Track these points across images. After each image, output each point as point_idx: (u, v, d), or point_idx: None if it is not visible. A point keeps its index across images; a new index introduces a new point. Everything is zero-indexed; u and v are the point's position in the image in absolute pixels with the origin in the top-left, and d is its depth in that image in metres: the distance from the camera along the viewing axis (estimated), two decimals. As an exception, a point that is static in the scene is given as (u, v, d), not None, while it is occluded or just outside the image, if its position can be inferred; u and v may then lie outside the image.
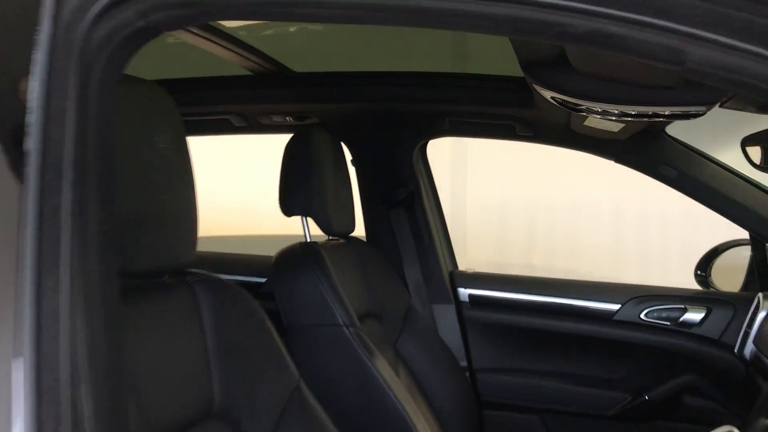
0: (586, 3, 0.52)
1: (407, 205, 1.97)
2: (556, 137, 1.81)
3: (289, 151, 1.60)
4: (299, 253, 1.53)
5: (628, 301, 1.88)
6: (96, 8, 0.61)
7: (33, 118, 0.57)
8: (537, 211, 3.84)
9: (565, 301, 1.93)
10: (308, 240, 1.63)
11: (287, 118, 1.89)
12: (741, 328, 1.66)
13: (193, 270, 1.05)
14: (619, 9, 0.51)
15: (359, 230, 1.91)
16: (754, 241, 1.83)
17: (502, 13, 0.56)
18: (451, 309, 1.98)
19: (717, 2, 0.48)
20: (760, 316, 1.63)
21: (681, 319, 1.85)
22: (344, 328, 1.46)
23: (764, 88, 0.51)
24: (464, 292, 2.00)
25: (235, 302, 1.09)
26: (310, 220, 1.63)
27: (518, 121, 1.76)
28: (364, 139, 1.95)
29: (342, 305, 1.47)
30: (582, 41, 0.56)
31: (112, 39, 0.63)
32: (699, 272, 2.04)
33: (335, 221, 1.62)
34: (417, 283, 1.97)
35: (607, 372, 1.91)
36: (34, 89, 0.57)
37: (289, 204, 1.59)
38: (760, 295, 1.63)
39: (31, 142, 0.56)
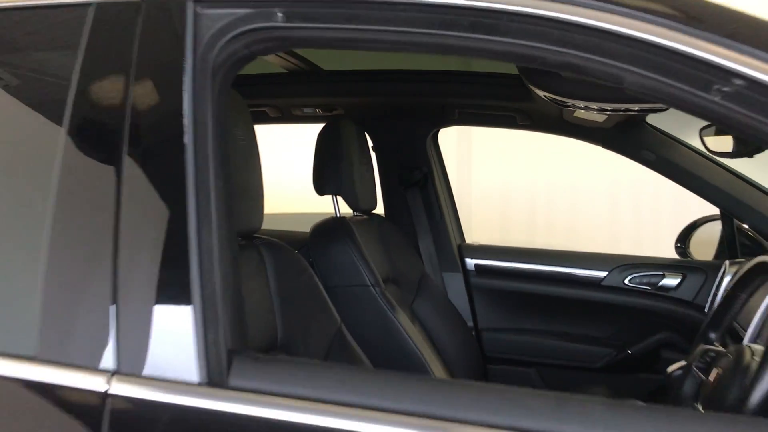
0: (557, 45, 0.79)
1: (421, 186, 2.25)
2: (550, 126, 2.08)
3: (322, 139, 1.87)
4: (332, 226, 1.81)
5: (614, 269, 2.15)
6: (220, 43, 0.89)
7: (186, 121, 0.85)
8: (537, 192, 4.10)
9: (559, 269, 2.21)
10: (338, 215, 1.91)
11: (317, 110, 2.16)
12: (711, 291, 1.93)
13: (259, 235, 1.33)
14: (580, 51, 0.78)
15: (379, 208, 2.18)
16: (724, 217, 2.10)
17: (501, 49, 0.83)
18: (459, 277, 2.26)
19: (640, 49, 0.75)
20: (726, 280, 1.90)
21: (660, 284, 2.13)
22: (371, 287, 1.74)
23: (676, 104, 0.78)
24: (470, 262, 2.28)
25: (291, 261, 1.38)
26: (339, 198, 1.90)
27: (518, 112, 2.03)
28: (383, 128, 2.22)
29: (369, 269, 1.75)
30: (557, 68, 0.84)
31: (227, 63, 0.90)
32: (678, 244, 2.31)
33: (361, 199, 1.89)
34: (429, 253, 2.25)
35: (595, 331, 2.19)
36: (185, 101, 0.85)
37: (322, 185, 1.86)
38: (727, 262, 1.89)
39: (187, 138, 0.84)
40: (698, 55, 0.71)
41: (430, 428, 0.71)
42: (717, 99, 0.72)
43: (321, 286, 1.42)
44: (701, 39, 0.72)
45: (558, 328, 2.20)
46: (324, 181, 1.85)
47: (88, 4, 0.94)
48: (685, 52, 0.72)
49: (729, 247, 2.10)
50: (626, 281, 2.14)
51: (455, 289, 2.25)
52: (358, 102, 2.13)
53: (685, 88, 0.73)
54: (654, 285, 2.12)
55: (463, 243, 2.33)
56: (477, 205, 4.03)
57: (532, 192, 4.11)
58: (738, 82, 0.71)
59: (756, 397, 0.83)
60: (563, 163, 3.73)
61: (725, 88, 0.71)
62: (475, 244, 2.35)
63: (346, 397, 0.74)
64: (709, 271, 2.07)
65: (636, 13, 0.74)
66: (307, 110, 2.16)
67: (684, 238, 2.31)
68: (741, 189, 1.96)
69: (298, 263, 1.39)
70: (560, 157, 3.62)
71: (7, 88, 0.96)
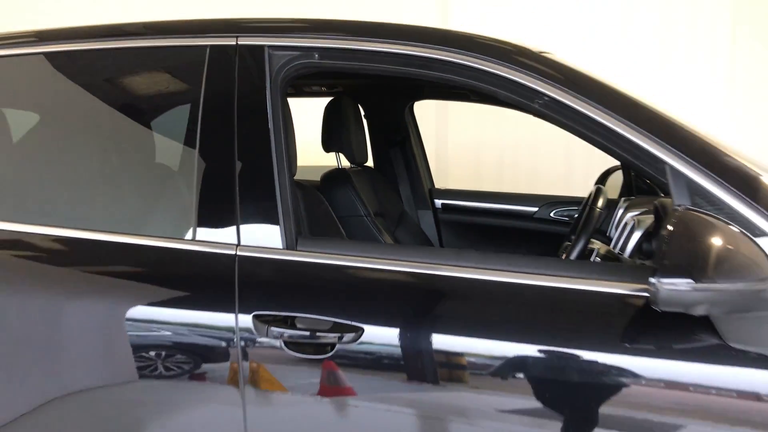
0: (461, 77, 1.53)
1: (401, 145, 3.00)
2: (494, 101, 2.81)
3: (328, 110, 2.57)
4: (336, 174, 2.54)
5: (543, 205, 2.92)
6: (283, 71, 1.62)
7: (269, 113, 1.58)
8: (504, 147, 4.84)
9: (504, 207, 2.97)
10: (340, 167, 2.65)
11: (322, 87, 2.88)
12: (611, 220, 2.70)
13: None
14: (471, 80, 1.52)
15: (369, 162, 2.92)
16: (623, 168, 2.86)
17: (435, 75, 1.57)
18: (429, 213, 3.02)
19: (496, 78, 1.50)
20: (620, 212, 2.67)
21: (575, 215, 2.90)
22: (364, 217, 2.49)
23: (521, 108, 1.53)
24: (438, 202, 3.04)
25: (314, 195, 2.13)
26: (341, 155, 2.64)
27: (469, 91, 2.77)
28: (372, 102, 2.95)
29: (363, 204, 2.50)
30: (461, 87, 1.58)
31: (285, 80, 1.64)
32: (597, 185, 3.08)
33: (356, 155, 2.62)
34: (407, 195, 3.01)
35: (531, 251, 2.97)
36: (268, 102, 1.59)
37: (329, 144, 2.57)
38: (622, 199, 2.65)
39: (270, 122, 1.58)
40: (525, 84, 1.47)
41: (419, 268, 1.47)
42: (536, 106, 1.47)
43: (333, 214, 2.17)
44: (527, 73, 1.47)
45: (504, 250, 2.97)
46: (330, 141, 2.57)
47: (206, 46, 1.67)
48: (518, 81, 1.47)
49: (627, 188, 2.87)
50: (552, 214, 2.91)
51: (427, 222, 3.02)
52: (353, 83, 2.85)
53: (522, 100, 1.48)
54: (572, 217, 2.89)
55: (432, 187, 3.09)
56: (453, 159, 4.76)
57: (499, 147, 4.83)
58: (545, 98, 1.46)
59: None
60: (524, 124, 4.44)
61: (540, 101, 1.47)
62: (441, 188, 3.11)
63: (366, 252, 1.51)
64: (612, 205, 2.84)
65: (492, 59, 1.49)
66: (315, 88, 2.88)
67: (601, 180, 3.08)
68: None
69: (318, 197, 2.15)
70: (522, 119, 4.34)
71: (168, 98, 1.70)
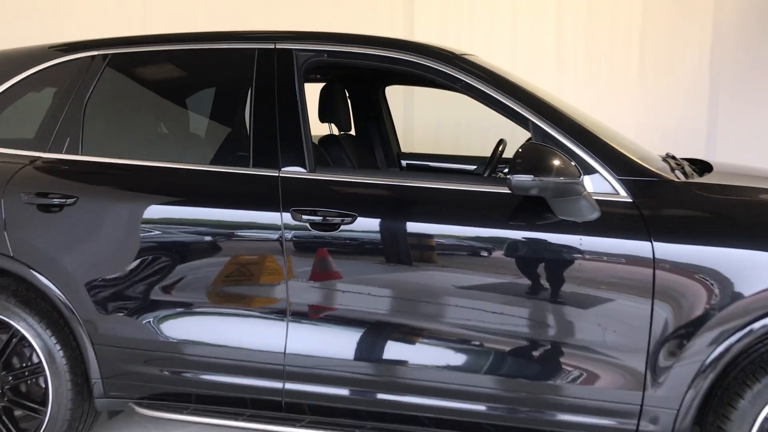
0: (417, 69, 2.56)
1: (376, 119, 4.01)
2: (437, 84, 3.84)
3: (323, 93, 3.53)
4: (330, 138, 3.54)
5: (479, 164, 3.94)
6: (305, 65, 2.63)
7: (297, 93, 2.58)
8: (460, 125, 5.85)
9: (453, 165, 3.99)
10: (331, 133, 3.65)
11: (317, 75, 3.87)
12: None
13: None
14: (419, 71, 2.55)
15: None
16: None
17: (400, 69, 2.60)
18: (397, 170, 4.04)
19: (427, 70, 2.51)
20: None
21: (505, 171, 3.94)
22: (350, 168, 3.50)
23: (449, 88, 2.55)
24: (404, 162, 4.07)
25: (317, 149, 3.13)
26: (332, 125, 3.63)
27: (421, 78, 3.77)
28: (355, 86, 3.94)
29: (350, 160, 3.50)
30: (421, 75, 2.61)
31: (306, 71, 2.65)
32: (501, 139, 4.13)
33: (343, 125, 3.61)
34: (380, 157, 4.02)
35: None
36: (296, 85, 2.59)
37: (323, 117, 3.55)
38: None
39: (297, 98, 2.58)
40: (450, 73, 2.49)
41: (390, 182, 2.49)
42: (459, 87, 2.50)
43: (330, 161, 3.18)
44: (451, 67, 2.50)
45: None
46: (324, 115, 3.54)
47: (255, 49, 2.66)
48: (446, 72, 2.50)
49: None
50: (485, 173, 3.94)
51: (395, 177, 4.03)
52: (341, 73, 3.84)
53: (450, 83, 2.51)
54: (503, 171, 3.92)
55: (399, 151, 4.11)
56: (418, 137, 5.78)
57: (456, 124, 5.84)
58: (461, 84, 2.49)
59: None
60: (471, 103, 5.48)
61: (460, 84, 2.49)
62: (406, 152, 4.13)
63: (355, 174, 2.53)
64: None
65: (433, 58, 2.52)
66: (311, 76, 3.87)
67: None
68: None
69: (320, 149, 3.15)
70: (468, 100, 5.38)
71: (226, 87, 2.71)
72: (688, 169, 2.72)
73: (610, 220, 2.28)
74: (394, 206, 2.50)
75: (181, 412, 2.64)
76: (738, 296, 2.17)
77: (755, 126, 5.28)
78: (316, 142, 3.50)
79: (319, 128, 3.70)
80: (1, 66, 2.99)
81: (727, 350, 2.19)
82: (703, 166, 2.86)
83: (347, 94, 3.75)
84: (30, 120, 2.93)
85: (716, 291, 2.19)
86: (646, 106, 5.54)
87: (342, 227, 2.43)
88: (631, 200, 2.29)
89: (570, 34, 5.65)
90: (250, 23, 4.38)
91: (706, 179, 2.56)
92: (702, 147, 5.34)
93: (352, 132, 3.87)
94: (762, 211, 2.32)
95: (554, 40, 5.68)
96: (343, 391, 2.49)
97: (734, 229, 2.25)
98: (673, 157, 2.92)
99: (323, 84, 3.58)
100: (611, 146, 2.40)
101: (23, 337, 2.70)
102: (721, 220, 2.29)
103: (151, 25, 4.85)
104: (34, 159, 2.76)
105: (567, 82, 5.51)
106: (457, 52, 2.64)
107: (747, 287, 2.16)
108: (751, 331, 2.17)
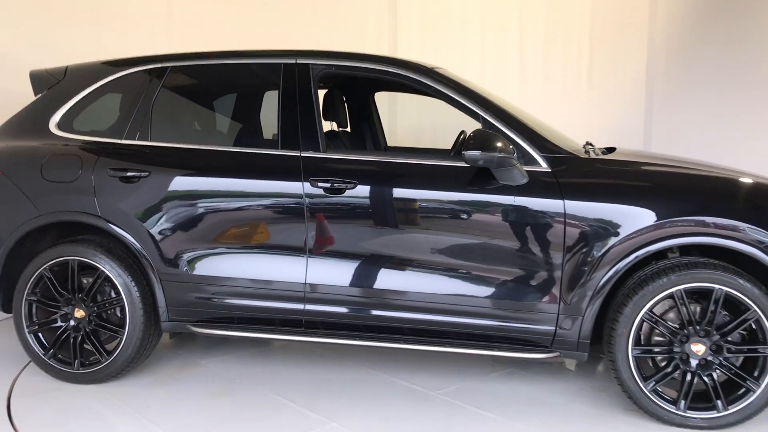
0: (394, 77, 3.54)
1: (367, 119, 4.98)
2: (414, 90, 4.81)
3: (326, 97, 4.50)
4: (331, 132, 4.49)
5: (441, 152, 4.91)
6: (318, 74, 3.61)
7: (313, 97, 3.55)
8: (437, 127, 6.83)
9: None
10: (332, 129, 4.60)
11: (320, 84, 4.83)
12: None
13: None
14: (395, 79, 3.53)
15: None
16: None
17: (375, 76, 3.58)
18: (385, 151, 5.00)
19: (394, 75, 3.49)
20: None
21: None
22: (348, 156, 4.46)
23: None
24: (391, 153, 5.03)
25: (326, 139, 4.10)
26: (333, 122, 4.58)
27: (403, 85, 4.75)
28: (350, 93, 4.91)
29: (346, 149, 4.45)
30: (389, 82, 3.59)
31: (319, 79, 3.62)
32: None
33: (342, 123, 4.57)
34: (370, 149, 4.98)
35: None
36: (312, 91, 3.55)
37: (326, 116, 4.50)
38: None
39: (313, 99, 3.55)
40: (424, 81, 3.47)
41: (381, 159, 3.46)
42: (431, 92, 3.48)
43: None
44: (425, 77, 3.47)
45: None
46: (327, 114, 4.48)
47: (281, 63, 3.63)
48: (421, 80, 3.48)
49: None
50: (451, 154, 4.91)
51: (383, 165, 5.00)
52: (339, 82, 4.81)
53: (423, 90, 3.49)
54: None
55: (386, 145, 5.08)
56: (402, 137, 6.75)
57: (431, 123, 6.81)
58: (432, 90, 3.47)
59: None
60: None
61: (431, 90, 3.47)
62: (392, 146, 5.10)
63: (356, 154, 3.50)
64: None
65: (411, 70, 3.50)
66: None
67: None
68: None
69: (330, 140, 4.11)
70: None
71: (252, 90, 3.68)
72: (597, 151, 3.71)
73: (535, 184, 3.26)
74: (383, 176, 3.47)
75: (227, 330, 3.59)
76: (618, 238, 3.15)
77: (683, 123, 6.36)
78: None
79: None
80: (80, 77, 3.93)
81: (612, 277, 3.17)
82: (609, 150, 3.85)
83: (344, 99, 4.71)
84: (98, 117, 3.87)
85: (605, 234, 3.17)
86: (594, 108, 6.62)
87: (347, 191, 3.39)
88: (549, 170, 3.28)
89: (530, 49, 6.72)
90: (259, 42, 5.45)
91: (604, 157, 3.54)
92: (640, 141, 6.40)
93: (348, 129, 4.83)
94: (633, 177, 3.32)
95: (517, 55, 6.73)
96: (346, 310, 3.45)
97: (616, 190, 3.25)
98: (590, 144, 3.91)
99: (326, 90, 4.54)
100: (537, 132, 3.38)
101: (107, 277, 3.62)
102: (608, 184, 3.29)
103: (174, 42, 5.77)
104: (114, 144, 3.70)
105: (528, 89, 6.56)
106: (429, 66, 3.62)
107: (624, 231, 3.15)
108: (626, 263, 3.15)
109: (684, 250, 3.34)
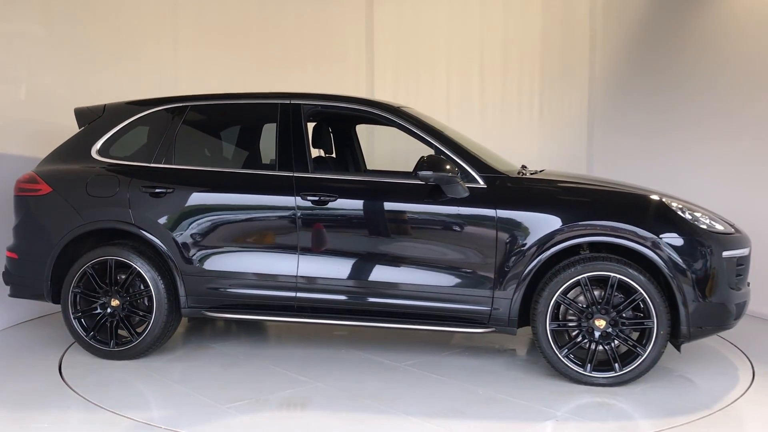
0: (362, 113, 4.51)
1: (350, 146, 5.94)
2: (385, 124, 5.79)
3: (315, 129, 5.43)
4: (319, 158, 5.43)
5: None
6: (309, 112, 4.60)
7: (303, 127, 4.52)
8: (409, 156, 7.81)
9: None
10: (320, 155, 5.55)
11: (310, 118, 5.80)
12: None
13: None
14: (363, 113, 4.51)
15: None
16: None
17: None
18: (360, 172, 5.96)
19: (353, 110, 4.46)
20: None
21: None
22: (332, 177, 5.42)
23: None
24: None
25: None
26: (321, 150, 5.53)
27: (376, 120, 5.72)
28: (335, 126, 5.87)
29: (332, 171, 5.41)
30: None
31: (309, 116, 4.59)
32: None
33: (327, 150, 5.52)
34: (352, 171, 5.94)
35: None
36: (303, 124, 4.52)
37: (315, 144, 5.41)
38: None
39: (303, 130, 4.51)
40: (389, 118, 4.45)
41: (359, 177, 4.42)
42: (396, 126, 4.45)
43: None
44: (390, 115, 4.46)
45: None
46: (316, 143, 5.43)
47: (278, 103, 4.60)
48: (387, 117, 4.45)
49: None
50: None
51: (362, 185, 5.96)
52: (326, 117, 5.76)
53: (389, 124, 4.46)
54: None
55: (365, 167, 6.04)
56: (377, 158, 7.72)
57: (406, 152, 7.79)
58: (397, 125, 4.44)
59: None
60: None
61: (396, 125, 4.45)
62: (371, 169, 6.06)
63: (339, 174, 4.46)
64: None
65: (381, 109, 4.48)
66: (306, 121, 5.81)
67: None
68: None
69: (317, 163, 5.07)
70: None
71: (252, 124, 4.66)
72: (527, 172, 4.68)
73: (474, 197, 4.22)
74: (358, 191, 4.43)
75: (234, 314, 4.51)
76: (536, 238, 4.12)
77: (621, 146, 7.47)
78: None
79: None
80: (116, 113, 4.89)
81: (532, 269, 4.12)
82: (538, 171, 4.83)
83: (330, 130, 5.68)
84: (130, 145, 4.82)
85: (526, 235, 4.13)
86: (544, 134, 7.81)
87: (329, 203, 4.35)
88: (485, 186, 4.25)
89: (489, 84, 7.88)
90: (253, 80, 6.51)
91: (529, 176, 4.50)
92: (584, 162, 7.60)
93: (334, 155, 5.79)
94: (546, 192, 4.30)
95: (478, 89, 7.84)
96: (329, 296, 4.38)
97: (533, 201, 4.22)
98: (524, 166, 4.89)
99: (315, 123, 5.51)
100: (477, 157, 4.36)
101: (138, 273, 4.54)
102: (528, 196, 4.26)
103: (180, 83, 6.70)
104: (145, 167, 4.65)
105: (488, 119, 7.69)
106: (396, 106, 4.61)
107: (539, 233, 4.11)
108: (543, 257, 4.10)
109: (594, 248, 4.29)
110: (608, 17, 7.40)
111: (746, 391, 4.11)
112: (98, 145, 4.80)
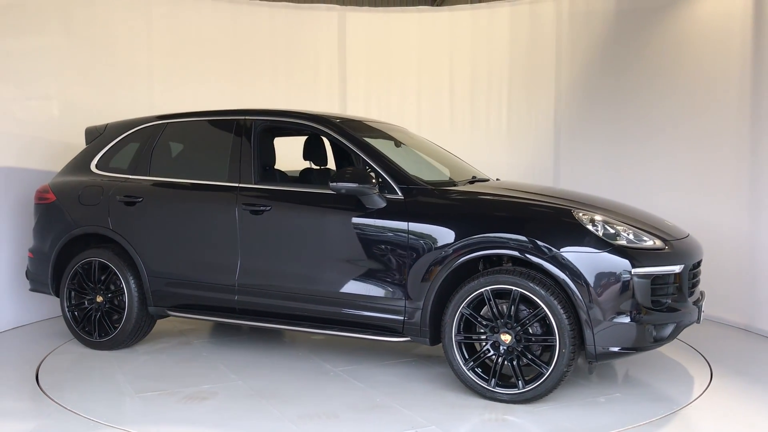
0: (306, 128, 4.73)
1: (343, 158, 6.16)
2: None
3: (306, 143, 5.72)
4: (308, 170, 5.72)
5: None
6: (259, 129, 4.92)
7: (257, 144, 4.84)
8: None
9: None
10: (312, 167, 5.83)
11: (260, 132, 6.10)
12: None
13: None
14: (306, 129, 4.72)
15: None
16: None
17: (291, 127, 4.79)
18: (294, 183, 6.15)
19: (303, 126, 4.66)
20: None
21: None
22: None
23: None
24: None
25: (297, 176, 5.36)
26: (311, 162, 5.80)
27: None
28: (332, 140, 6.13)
29: (319, 181, 5.67)
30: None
31: (261, 130, 4.91)
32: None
33: (319, 162, 5.77)
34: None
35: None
36: (255, 140, 4.85)
37: (308, 157, 5.69)
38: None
39: (256, 145, 4.84)
40: (314, 126, 4.64)
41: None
42: (330, 139, 4.64)
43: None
44: (325, 126, 4.65)
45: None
46: (308, 156, 5.71)
47: (234, 119, 4.96)
48: (311, 125, 4.65)
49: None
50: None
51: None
52: (316, 132, 6.02)
53: (320, 133, 4.65)
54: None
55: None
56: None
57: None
58: (330, 138, 4.62)
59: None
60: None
61: (329, 137, 4.63)
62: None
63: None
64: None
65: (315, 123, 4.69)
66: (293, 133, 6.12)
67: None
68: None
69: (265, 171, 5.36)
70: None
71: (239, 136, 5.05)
72: (464, 182, 4.64)
73: (391, 208, 4.29)
74: (289, 202, 4.66)
75: (188, 313, 4.92)
76: (440, 251, 4.11)
77: (585, 159, 7.41)
78: (298, 174, 5.70)
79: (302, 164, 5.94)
80: (113, 130, 5.51)
81: (436, 279, 4.11)
82: (483, 180, 4.75)
83: (326, 143, 5.94)
84: (124, 159, 5.39)
85: (432, 247, 4.13)
86: (512, 149, 7.92)
87: (265, 212, 4.62)
88: (402, 198, 4.30)
89: (459, 99, 8.14)
90: (227, 95, 7.00)
91: (446, 188, 4.44)
92: (550, 175, 7.62)
93: (327, 167, 6.04)
94: (452, 206, 4.26)
95: (448, 104, 8.14)
96: (264, 300, 4.65)
97: (437, 214, 4.20)
98: (474, 177, 4.85)
99: (305, 138, 5.80)
100: (398, 169, 4.42)
101: (115, 273, 5.09)
102: (435, 210, 4.24)
103: (156, 105, 7.11)
104: (124, 178, 5.20)
105: (457, 134, 8.02)
106: (336, 121, 4.80)
107: (441, 245, 4.10)
108: (448, 270, 4.08)
109: (516, 261, 4.19)
110: (573, 33, 7.53)
111: (703, 393, 4.25)
112: (96, 159, 5.44)
